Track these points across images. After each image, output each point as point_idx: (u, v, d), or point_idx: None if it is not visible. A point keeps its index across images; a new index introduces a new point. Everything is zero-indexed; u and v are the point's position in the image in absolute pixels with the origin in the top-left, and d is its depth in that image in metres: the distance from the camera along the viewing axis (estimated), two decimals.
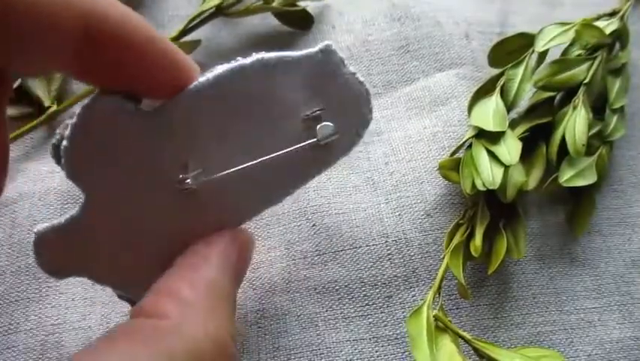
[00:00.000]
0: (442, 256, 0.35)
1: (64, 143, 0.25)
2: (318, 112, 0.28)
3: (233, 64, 0.26)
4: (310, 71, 0.28)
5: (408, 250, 0.36)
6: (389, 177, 0.39)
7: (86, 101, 0.25)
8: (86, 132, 0.25)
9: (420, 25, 0.47)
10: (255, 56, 0.27)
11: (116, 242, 0.27)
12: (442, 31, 0.46)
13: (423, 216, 0.37)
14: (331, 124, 0.28)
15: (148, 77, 0.25)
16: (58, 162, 0.26)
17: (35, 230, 0.26)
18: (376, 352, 0.34)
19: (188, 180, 0.26)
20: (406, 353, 0.33)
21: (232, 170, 0.27)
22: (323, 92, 0.28)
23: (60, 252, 0.26)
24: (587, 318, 0.35)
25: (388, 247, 0.36)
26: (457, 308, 0.35)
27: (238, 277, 0.28)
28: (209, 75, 0.26)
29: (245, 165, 0.27)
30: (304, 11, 0.47)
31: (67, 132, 0.25)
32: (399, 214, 0.38)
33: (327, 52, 0.28)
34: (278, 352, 0.33)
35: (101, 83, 0.25)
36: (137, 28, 0.24)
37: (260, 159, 0.27)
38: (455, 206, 0.38)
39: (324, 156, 0.29)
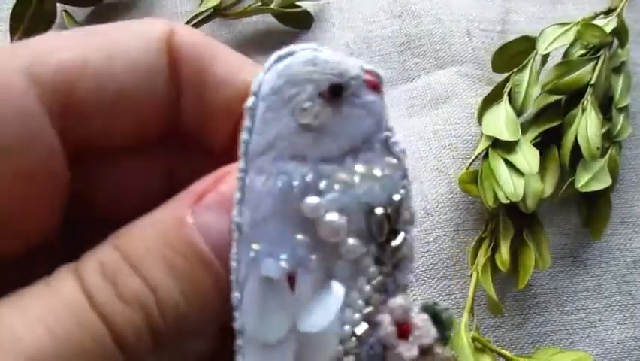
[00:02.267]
0: (469, 273, 0.35)
1: None
2: None
3: None
4: None
5: None
6: None
7: None
8: None
9: (421, 22, 0.46)
10: None
11: None
12: (443, 29, 0.46)
13: (423, 215, 0.37)
14: None
15: None
16: None
17: None
18: None
19: None
20: None
21: None
22: None
23: None
24: (587, 318, 0.35)
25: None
26: (458, 309, 0.35)
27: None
28: None
29: None
30: (304, 12, 0.46)
31: None
32: None
33: None
34: None
35: None
36: None
37: None
38: (456, 205, 0.38)
39: None
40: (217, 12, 0.44)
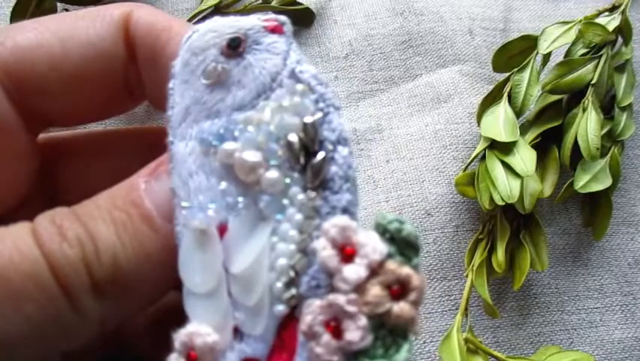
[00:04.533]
0: (464, 274, 0.35)
1: None
2: None
3: None
4: None
5: None
6: (390, 176, 0.39)
7: None
8: None
9: (423, 20, 0.46)
10: None
11: None
12: (445, 27, 0.46)
13: (423, 215, 0.37)
14: None
15: None
16: None
17: None
18: None
19: None
20: None
21: None
22: None
23: None
24: (588, 318, 0.35)
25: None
26: (457, 309, 0.35)
27: None
28: None
29: None
30: (305, 9, 0.46)
31: None
32: (399, 213, 0.37)
33: None
34: None
35: None
36: None
37: None
38: (456, 205, 0.37)
39: None
40: (217, 9, 0.44)
